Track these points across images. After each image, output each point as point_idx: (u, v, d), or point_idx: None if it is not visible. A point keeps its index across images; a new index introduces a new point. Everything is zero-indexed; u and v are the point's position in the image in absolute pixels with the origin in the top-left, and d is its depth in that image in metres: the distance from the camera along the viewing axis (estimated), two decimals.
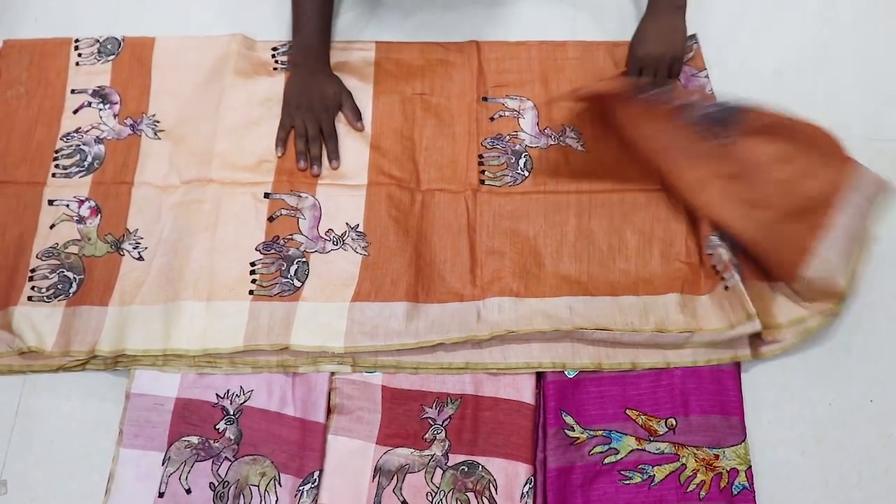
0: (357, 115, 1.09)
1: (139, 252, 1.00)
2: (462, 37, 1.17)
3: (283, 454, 0.90)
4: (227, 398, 0.93)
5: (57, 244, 1.00)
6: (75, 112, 1.10)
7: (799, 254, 0.94)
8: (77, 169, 1.05)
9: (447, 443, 0.92)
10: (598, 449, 0.92)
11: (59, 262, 0.99)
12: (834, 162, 0.94)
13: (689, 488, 0.90)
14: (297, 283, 0.98)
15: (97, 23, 1.17)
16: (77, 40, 1.15)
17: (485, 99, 1.12)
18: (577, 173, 1.07)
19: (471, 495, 0.89)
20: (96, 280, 0.98)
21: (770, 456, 0.93)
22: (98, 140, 1.07)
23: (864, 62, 1.19)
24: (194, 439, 0.91)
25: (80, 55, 1.13)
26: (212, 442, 0.91)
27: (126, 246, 1.01)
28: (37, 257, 1.00)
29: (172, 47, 1.14)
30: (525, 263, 1.01)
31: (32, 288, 0.97)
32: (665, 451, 0.92)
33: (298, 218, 1.03)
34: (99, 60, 1.13)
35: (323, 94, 1.07)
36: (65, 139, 1.07)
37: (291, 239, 1.01)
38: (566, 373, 0.95)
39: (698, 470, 0.91)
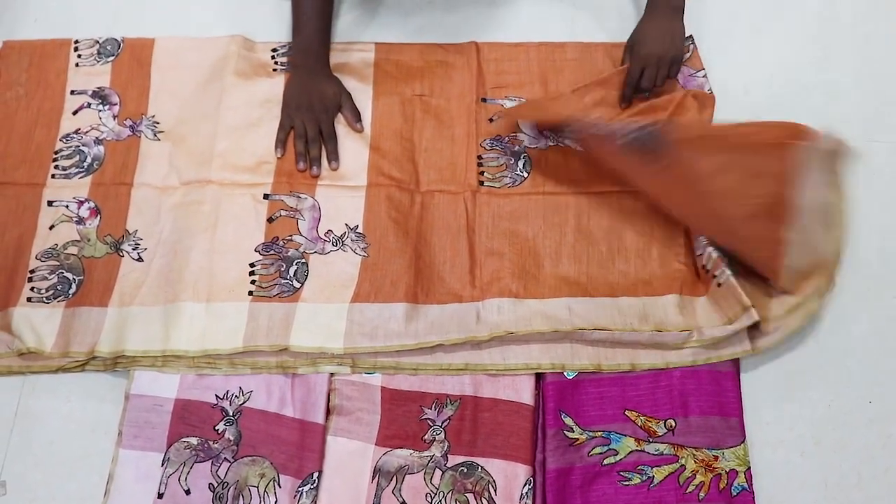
0: (357, 116, 1.09)
1: (139, 253, 1.00)
2: (461, 38, 1.17)
3: (282, 455, 0.91)
4: (227, 399, 0.93)
5: (56, 245, 1.01)
6: (75, 113, 1.10)
7: (773, 250, 0.92)
8: (76, 170, 1.05)
9: (446, 444, 0.92)
10: (598, 450, 0.92)
11: (58, 263, 0.99)
12: (776, 152, 0.89)
13: (689, 489, 0.90)
14: (297, 284, 0.98)
15: (97, 23, 1.17)
16: (77, 41, 1.15)
17: (484, 100, 1.12)
18: (577, 174, 1.07)
19: (470, 496, 0.89)
20: (96, 281, 0.98)
21: (769, 457, 0.93)
22: (97, 141, 1.07)
23: (864, 62, 1.19)
24: (194, 440, 0.91)
25: (79, 56, 1.14)
26: (211, 443, 0.91)
27: (125, 247, 1.01)
28: (36, 258, 1.00)
29: (172, 48, 1.14)
30: (524, 264, 1.01)
31: (32, 289, 0.98)
32: (664, 452, 0.92)
33: (298, 219, 1.03)
34: (98, 61, 1.13)
35: (322, 96, 1.07)
36: (64, 140, 1.07)
37: (291, 240, 1.01)
38: (565, 374, 0.95)
39: (697, 471, 0.91)
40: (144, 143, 1.08)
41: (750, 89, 1.15)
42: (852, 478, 0.93)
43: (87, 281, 0.98)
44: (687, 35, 1.11)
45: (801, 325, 0.95)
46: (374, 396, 0.94)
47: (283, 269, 0.99)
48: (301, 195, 1.04)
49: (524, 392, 0.94)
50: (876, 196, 1.09)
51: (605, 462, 0.91)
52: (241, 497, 0.88)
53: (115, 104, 1.10)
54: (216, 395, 0.93)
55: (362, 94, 1.11)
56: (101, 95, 1.11)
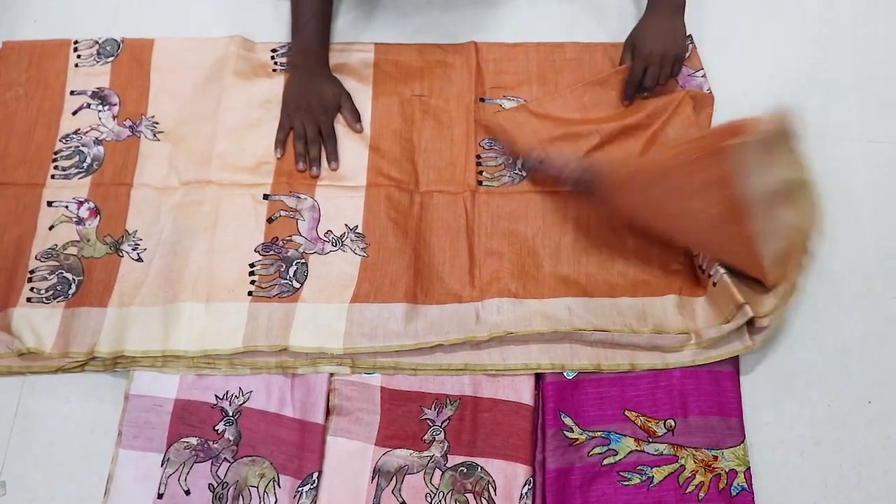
0: (356, 116, 1.09)
1: (138, 253, 1.00)
2: (460, 38, 1.17)
3: (282, 455, 0.91)
4: (226, 399, 0.93)
5: (56, 245, 1.01)
6: (74, 113, 1.10)
7: (748, 248, 0.90)
8: (76, 170, 1.05)
9: (446, 444, 0.92)
10: (597, 450, 0.92)
11: (58, 264, 0.99)
12: (713, 159, 0.85)
13: (688, 489, 0.90)
14: (296, 285, 0.98)
15: (97, 24, 1.17)
16: (76, 42, 1.15)
17: (482, 100, 1.12)
18: None
19: (470, 496, 0.89)
20: (95, 281, 0.98)
21: (769, 457, 0.93)
22: (97, 141, 1.08)
23: (864, 62, 1.19)
24: (193, 440, 0.91)
25: (79, 57, 1.14)
26: (211, 443, 0.91)
27: (125, 247, 1.01)
28: (36, 258, 1.00)
29: (172, 49, 1.14)
30: (524, 264, 1.01)
31: (31, 289, 0.98)
32: (664, 453, 0.92)
33: (297, 219, 1.03)
34: (98, 62, 1.13)
35: (322, 96, 1.07)
36: (64, 140, 1.08)
37: (290, 240, 1.01)
38: (565, 374, 0.95)
39: (697, 471, 0.91)
40: (144, 143, 1.08)
41: (749, 89, 1.15)
42: (852, 478, 0.93)
43: (87, 281, 0.98)
44: (686, 35, 1.11)
45: (790, 305, 0.94)
46: (373, 396, 0.94)
47: (282, 270, 0.99)
48: (301, 195, 1.04)
49: (524, 392, 0.94)
50: (876, 196, 1.09)
51: (605, 462, 0.91)
52: (240, 497, 0.88)
53: (115, 104, 1.10)
54: (216, 396, 0.93)
55: (362, 95, 1.11)
56: (100, 96, 1.11)
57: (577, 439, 0.92)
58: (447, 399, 0.94)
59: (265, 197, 1.04)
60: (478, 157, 1.08)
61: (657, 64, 1.06)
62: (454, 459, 0.91)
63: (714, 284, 0.96)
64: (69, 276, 0.99)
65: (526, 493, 0.89)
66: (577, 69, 1.14)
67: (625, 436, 0.92)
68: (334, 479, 0.89)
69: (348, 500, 0.88)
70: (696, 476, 0.90)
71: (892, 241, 1.06)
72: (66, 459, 0.92)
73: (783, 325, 1.00)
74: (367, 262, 1.00)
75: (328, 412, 0.93)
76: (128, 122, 1.09)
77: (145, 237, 1.01)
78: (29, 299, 0.97)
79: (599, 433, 0.93)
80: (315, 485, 0.88)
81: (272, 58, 1.14)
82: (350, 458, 0.90)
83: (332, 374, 0.94)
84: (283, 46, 1.14)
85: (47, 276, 0.99)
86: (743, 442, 0.92)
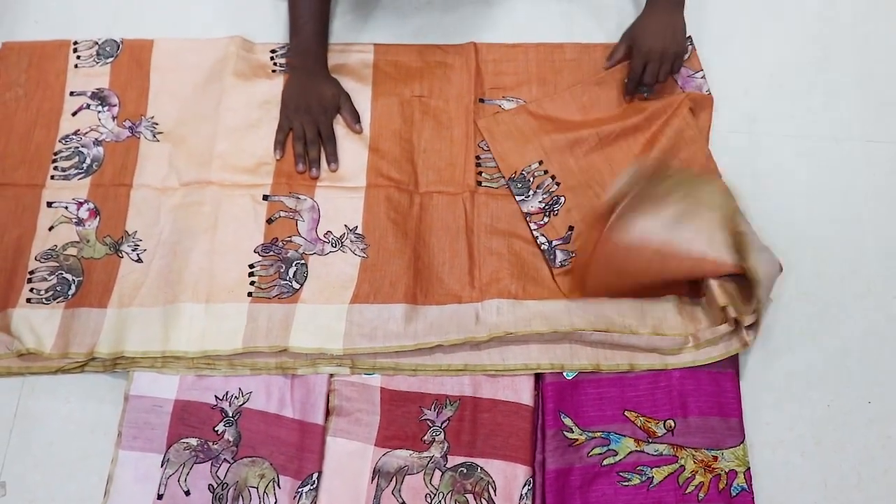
0: (355, 117, 1.09)
1: (138, 254, 1.00)
2: (460, 39, 1.16)
3: (281, 456, 0.91)
4: (226, 400, 0.93)
5: (56, 246, 1.01)
6: (74, 114, 1.10)
7: (713, 266, 0.92)
8: (76, 171, 1.06)
9: (446, 444, 0.92)
10: (597, 450, 0.92)
11: (57, 264, 0.99)
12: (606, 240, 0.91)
13: (688, 490, 0.90)
14: (296, 285, 0.98)
15: (97, 24, 1.17)
16: (76, 42, 1.15)
17: (482, 101, 1.12)
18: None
19: (470, 497, 0.89)
20: (95, 282, 0.98)
21: (769, 457, 0.93)
22: (97, 142, 1.08)
23: (864, 63, 1.19)
24: (193, 441, 0.91)
25: (78, 57, 1.14)
26: (211, 444, 0.91)
27: (125, 248, 1.01)
28: (35, 259, 1.00)
29: (171, 49, 1.14)
30: (523, 265, 1.01)
31: (31, 290, 0.98)
32: (664, 453, 0.91)
33: (297, 220, 1.03)
34: (98, 62, 1.13)
35: (321, 97, 1.07)
36: (63, 141, 1.08)
37: (290, 241, 1.01)
38: (565, 374, 0.95)
39: (697, 471, 0.91)
40: (144, 144, 1.08)
41: (749, 90, 1.15)
42: (852, 478, 0.93)
43: (87, 282, 0.98)
44: (686, 31, 1.11)
45: (766, 296, 0.93)
46: (373, 397, 0.94)
47: (282, 270, 0.99)
48: (300, 196, 1.04)
49: (523, 393, 0.94)
50: (876, 196, 1.08)
51: (605, 462, 0.91)
52: (240, 498, 0.88)
53: (115, 105, 1.10)
54: (216, 396, 0.93)
55: (361, 96, 1.11)
56: (100, 97, 1.11)
57: (577, 440, 0.92)
58: (447, 399, 0.94)
59: (265, 198, 1.04)
60: (477, 157, 1.08)
61: (657, 61, 1.06)
62: (454, 460, 0.91)
63: (707, 288, 0.96)
64: (69, 276, 0.99)
65: (526, 494, 0.89)
66: (576, 70, 1.14)
67: (624, 436, 0.92)
68: (334, 479, 0.89)
69: (348, 500, 0.88)
70: (696, 476, 0.90)
71: (892, 241, 1.06)
72: (65, 460, 0.92)
73: (787, 326, 1.00)
74: (367, 262, 1.00)
75: (328, 413, 0.93)
76: (127, 123, 1.09)
77: (145, 238, 1.01)
78: (29, 300, 0.97)
79: (599, 433, 0.93)
80: (315, 485, 0.88)
81: (272, 58, 1.14)
82: (350, 458, 0.90)
83: (331, 375, 0.94)
84: (283, 47, 1.14)
85: (47, 276, 0.99)
86: (743, 442, 0.92)
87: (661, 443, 0.92)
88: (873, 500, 0.92)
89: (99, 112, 1.10)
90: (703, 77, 1.13)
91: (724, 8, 1.22)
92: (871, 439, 0.95)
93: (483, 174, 1.07)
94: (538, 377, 0.95)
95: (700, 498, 0.89)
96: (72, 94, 1.11)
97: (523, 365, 0.94)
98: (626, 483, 0.90)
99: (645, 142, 1.06)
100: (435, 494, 0.89)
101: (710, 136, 1.10)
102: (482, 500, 0.89)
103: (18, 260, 0.99)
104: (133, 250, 1.01)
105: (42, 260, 1.00)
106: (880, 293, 1.03)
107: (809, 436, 0.95)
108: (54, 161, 1.06)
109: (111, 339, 0.94)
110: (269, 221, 1.02)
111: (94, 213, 1.03)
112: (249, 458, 0.90)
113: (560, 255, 1.01)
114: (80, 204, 1.03)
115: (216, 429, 0.92)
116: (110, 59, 1.13)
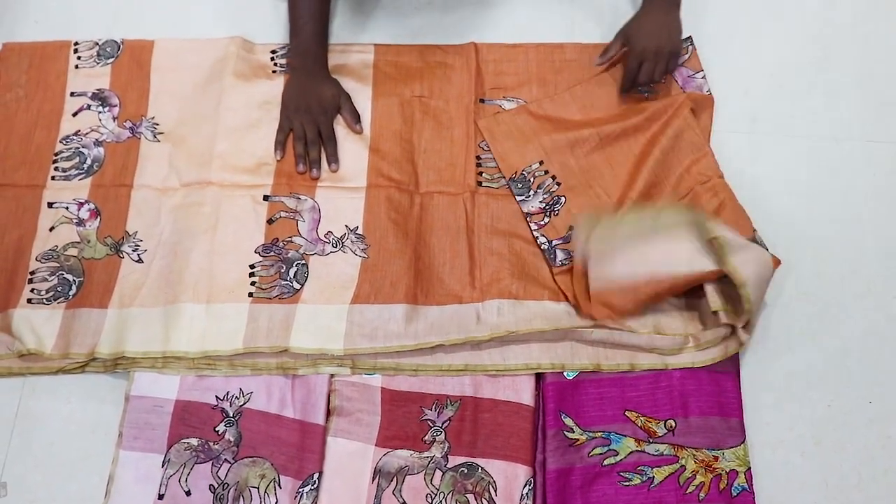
0: (356, 117, 1.09)
1: (139, 254, 1.00)
2: (460, 39, 1.16)
3: (282, 456, 0.91)
4: (227, 400, 0.93)
5: (56, 246, 1.01)
6: (74, 115, 1.10)
7: (695, 275, 0.93)
8: (76, 171, 1.06)
9: (447, 444, 0.92)
10: (598, 450, 0.92)
11: (58, 265, 0.99)
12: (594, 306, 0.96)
13: (689, 490, 0.90)
14: (297, 286, 0.98)
15: (97, 25, 1.17)
16: (76, 43, 1.15)
17: (482, 101, 1.12)
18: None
19: (470, 497, 0.89)
20: (96, 282, 0.98)
21: (769, 457, 0.93)
22: (97, 143, 1.08)
23: (864, 63, 1.19)
24: (194, 441, 0.91)
25: (79, 58, 1.14)
26: (211, 444, 0.91)
27: (125, 248, 1.01)
28: (36, 260, 1.00)
29: (171, 50, 1.14)
30: (524, 265, 1.01)
31: (32, 290, 0.98)
32: (664, 453, 0.92)
33: (298, 220, 1.03)
34: (98, 63, 1.13)
35: (321, 97, 1.07)
36: (64, 142, 1.08)
37: (291, 241, 1.01)
38: (565, 374, 0.95)
39: (697, 471, 0.91)
40: (144, 144, 1.08)
41: (749, 90, 1.15)
42: (852, 478, 0.93)
43: (87, 282, 0.98)
44: (686, 36, 1.11)
45: (753, 296, 0.92)
46: (374, 397, 0.94)
47: (283, 271, 0.99)
48: (301, 196, 1.04)
49: (524, 393, 0.94)
50: (876, 196, 1.09)
51: (606, 462, 0.91)
52: (241, 498, 0.89)
53: (115, 106, 1.10)
54: (216, 397, 0.93)
55: (361, 96, 1.11)
56: (100, 97, 1.11)
57: (578, 440, 0.92)
58: (448, 400, 0.94)
59: (265, 198, 1.04)
60: (478, 157, 1.08)
61: (651, 60, 1.05)
62: (455, 460, 0.91)
63: (705, 291, 0.96)
64: (70, 277, 0.99)
65: (526, 494, 0.89)
66: (576, 70, 1.14)
67: (625, 436, 0.92)
68: (335, 479, 0.89)
69: (349, 500, 0.89)
70: (697, 476, 0.90)
71: (892, 241, 1.06)
72: (66, 460, 0.92)
73: (787, 326, 1.00)
74: (368, 263, 1.00)
75: (329, 413, 0.93)
76: (128, 124, 1.09)
77: (146, 238, 1.01)
78: (29, 300, 0.97)
79: (600, 433, 0.93)
80: (315, 485, 0.89)
81: (272, 59, 1.14)
82: (350, 458, 0.90)
83: (332, 375, 0.94)
84: (283, 48, 1.14)
85: (48, 277, 0.99)
86: (743, 442, 0.92)
87: (662, 443, 0.92)
88: (873, 500, 0.92)
89: (99, 112, 1.10)
90: (704, 77, 1.13)
91: (724, 8, 1.22)
92: (871, 439, 0.95)
93: (483, 174, 1.07)
94: (539, 377, 0.95)
95: (701, 498, 0.89)
96: (72, 94, 1.11)
97: (524, 365, 0.94)
98: (627, 483, 0.90)
99: (645, 142, 1.06)
100: (436, 494, 0.89)
101: (710, 136, 1.10)
102: (483, 500, 0.89)
103: (19, 260, 0.99)
104: (134, 251, 1.01)
105: (43, 260, 1.00)
106: (880, 293, 1.03)
107: (809, 436, 0.95)
108: (55, 162, 1.06)
109: (112, 340, 0.94)
110: (269, 222, 1.02)
111: (95, 213, 1.03)
112: (250, 459, 0.91)
113: (560, 255, 1.01)
114: (81, 204, 1.03)
115: (217, 429, 0.92)
116: (111, 60, 1.13)
